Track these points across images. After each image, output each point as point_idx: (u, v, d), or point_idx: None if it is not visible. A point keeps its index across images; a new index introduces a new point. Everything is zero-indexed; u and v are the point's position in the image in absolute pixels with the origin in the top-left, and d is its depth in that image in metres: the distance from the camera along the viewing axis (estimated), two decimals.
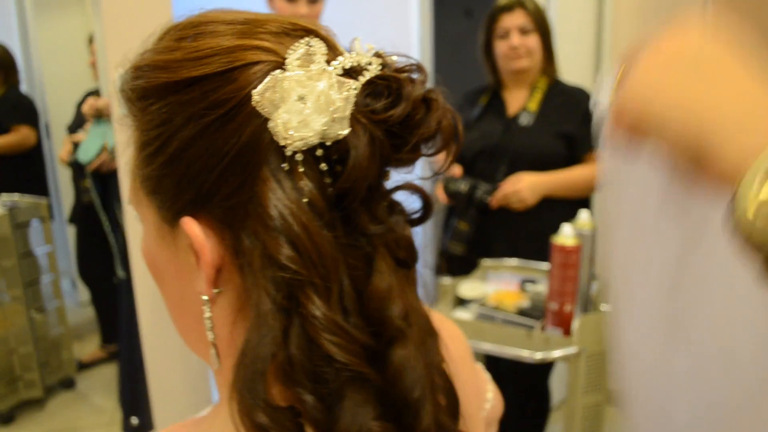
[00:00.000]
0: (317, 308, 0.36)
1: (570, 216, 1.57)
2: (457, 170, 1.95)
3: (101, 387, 2.84)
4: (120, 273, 2.47)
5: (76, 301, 3.26)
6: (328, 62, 0.38)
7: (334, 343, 0.36)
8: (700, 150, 0.37)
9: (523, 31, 1.86)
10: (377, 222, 0.40)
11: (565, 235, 1.43)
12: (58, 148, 3.06)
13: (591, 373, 1.50)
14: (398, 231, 0.41)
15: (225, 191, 0.38)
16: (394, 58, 0.41)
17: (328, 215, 0.38)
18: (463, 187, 1.89)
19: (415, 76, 0.40)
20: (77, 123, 2.68)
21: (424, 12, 2.83)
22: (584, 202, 1.89)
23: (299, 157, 0.37)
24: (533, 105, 1.89)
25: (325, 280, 0.37)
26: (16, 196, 2.67)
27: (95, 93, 2.71)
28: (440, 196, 1.95)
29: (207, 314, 0.42)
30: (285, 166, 0.37)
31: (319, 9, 1.73)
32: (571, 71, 2.10)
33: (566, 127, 1.86)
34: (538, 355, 1.41)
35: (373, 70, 0.39)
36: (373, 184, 0.39)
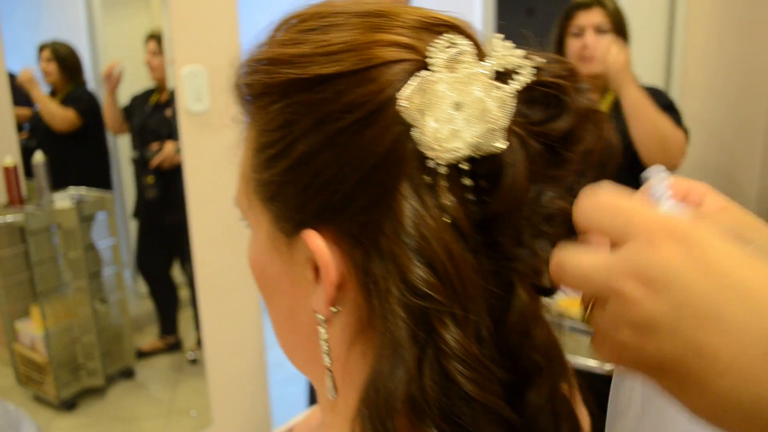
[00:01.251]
0: (455, 341, 0.33)
1: None
2: None
3: (159, 377, 2.90)
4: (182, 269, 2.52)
5: (136, 293, 3.33)
6: (478, 62, 0.34)
7: (472, 379, 0.33)
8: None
9: (599, 31, 1.77)
10: (523, 246, 0.36)
11: None
12: (122, 145, 3.15)
13: None
14: (543, 256, 0.37)
15: (358, 205, 0.35)
16: (542, 59, 0.36)
17: (472, 237, 0.34)
18: None
19: (576, 82, 0.36)
20: None
21: (486, 10, 2.77)
22: None
23: (443, 170, 0.33)
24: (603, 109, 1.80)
25: (465, 309, 0.33)
26: (83, 190, 2.75)
27: (155, 91, 2.76)
28: None
29: (323, 336, 0.39)
30: (427, 179, 0.33)
31: None
32: (641, 72, 2.00)
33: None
34: (608, 366, 1.34)
35: (526, 74, 0.34)
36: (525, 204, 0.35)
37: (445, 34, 0.34)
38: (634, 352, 0.29)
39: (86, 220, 2.63)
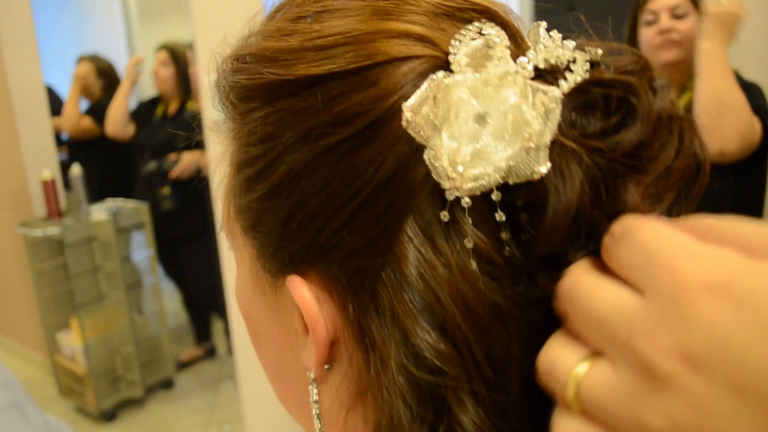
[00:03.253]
0: (474, 425, 0.25)
1: None
2: None
3: (198, 387, 2.89)
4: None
5: (178, 302, 3.35)
6: (515, 59, 0.25)
7: None
8: None
9: (676, 15, 1.50)
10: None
11: None
12: None
13: None
14: None
15: (350, 246, 0.27)
16: (599, 50, 0.26)
17: (508, 286, 0.26)
18: None
19: (648, 79, 0.26)
20: None
21: (524, 5, 2.66)
22: None
23: (466, 203, 0.25)
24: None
25: (490, 386, 0.25)
26: (120, 202, 2.76)
27: (160, 103, 2.76)
28: None
29: (314, 397, 0.31)
30: (444, 215, 0.25)
31: None
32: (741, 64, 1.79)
33: None
34: None
35: (580, 70, 0.25)
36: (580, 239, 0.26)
37: (474, 23, 0.26)
38: None
39: (122, 232, 2.64)
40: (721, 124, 1.33)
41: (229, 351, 2.94)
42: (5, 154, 2.83)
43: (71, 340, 2.65)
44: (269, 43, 0.29)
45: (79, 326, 2.55)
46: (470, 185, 0.24)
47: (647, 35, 1.52)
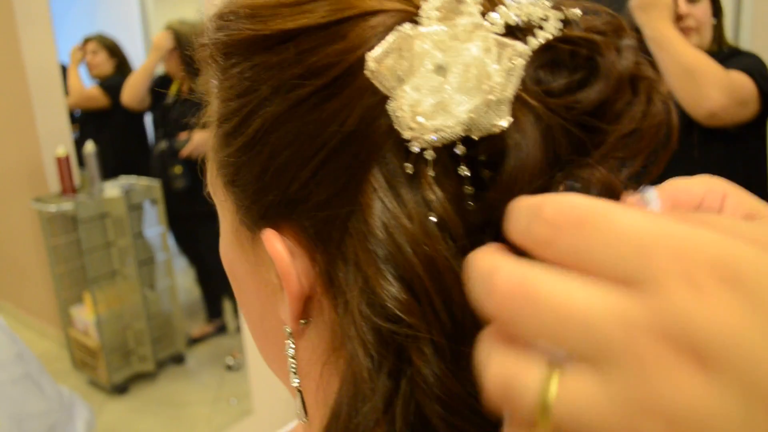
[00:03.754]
0: (435, 375, 0.25)
1: None
2: None
3: (208, 363, 2.94)
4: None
5: (192, 279, 3.39)
6: (484, 14, 0.26)
7: (454, 426, 0.25)
8: None
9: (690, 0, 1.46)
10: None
11: None
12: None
13: None
14: None
15: (318, 197, 0.28)
16: (577, 10, 0.27)
17: (466, 241, 0.26)
18: None
19: (618, 39, 0.26)
20: None
21: None
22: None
23: (430, 155, 0.25)
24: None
25: (450, 337, 0.26)
26: (132, 179, 2.79)
27: (172, 82, 2.76)
28: None
29: (291, 352, 0.32)
30: (408, 167, 0.26)
31: None
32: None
33: None
34: None
35: (551, 27, 0.26)
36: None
37: None
38: None
39: (135, 208, 2.67)
40: (696, 84, 1.32)
41: (238, 329, 2.98)
42: (21, 132, 2.87)
43: (84, 315, 2.71)
44: (249, 1, 0.30)
45: (92, 301, 2.60)
46: (431, 136, 0.24)
47: None
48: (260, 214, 0.31)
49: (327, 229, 0.28)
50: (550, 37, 0.26)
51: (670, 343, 0.17)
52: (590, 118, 0.26)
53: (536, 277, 0.20)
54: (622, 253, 0.19)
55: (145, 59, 2.90)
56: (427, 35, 0.24)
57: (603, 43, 0.25)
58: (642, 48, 0.27)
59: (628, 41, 0.26)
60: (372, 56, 0.25)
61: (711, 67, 1.35)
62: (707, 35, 1.47)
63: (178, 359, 2.93)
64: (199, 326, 3.18)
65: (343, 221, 0.27)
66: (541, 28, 0.26)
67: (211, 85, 0.32)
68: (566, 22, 0.27)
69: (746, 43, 2.05)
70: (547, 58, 0.26)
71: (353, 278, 0.27)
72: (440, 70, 0.24)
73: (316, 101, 0.27)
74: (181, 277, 3.29)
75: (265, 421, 1.82)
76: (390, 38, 0.25)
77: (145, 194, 2.71)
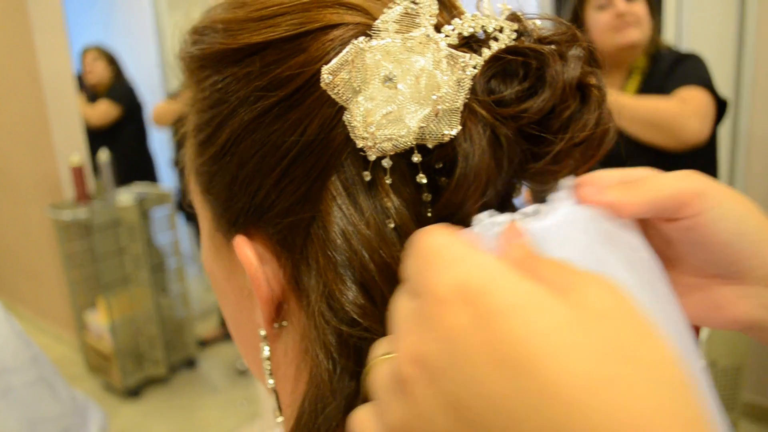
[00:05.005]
0: None
1: None
2: None
3: (220, 367, 2.96)
4: None
5: (205, 284, 3.42)
6: (438, 28, 0.27)
7: None
8: None
9: None
10: None
11: None
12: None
13: (723, 389, 1.29)
14: None
15: (282, 204, 0.29)
16: (537, 22, 0.28)
17: None
18: None
19: (568, 49, 0.27)
20: None
21: None
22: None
23: (387, 163, 0.26)
24: (630, 94, 1.51)
25: None
26: (145, 186, 2.83)
27: None
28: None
29: (265, 354, 0.33)
30: (366, 175, 0.27)
31: None
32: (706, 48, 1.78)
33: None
34: None
35: (505, 39, 0.27)
36: (491, 204, 0.27)
37: None
38: None
39: (147, 215, 2.71)
40: (668, 130, 1.37)
41: None
42: (37, 140, 2.92)
43: (98, 320, 2.75)
44: (221, 16, 0.31)
45: (106, 306, 2.64)
46: (384, 145, 0.25)
47: (602, 19, 1.50)
48: (232, 221, 0.32)
49: (291, 236, 0.29)
50: (504, 47, 0.27)
51: (408, 351, 0.20)
52: (540, 126, 0.27)
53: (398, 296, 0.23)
54: (414, 269, 0.22)
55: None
56: (377, 48, 0.25)
57: (549, 54, 0.26)
58: (594, 58, 0.28)
59: (576, 51, 0.27)
60: (326, 68, 0.26)
61: (669, 109, 1.40)
62: (647, 30, 1.49)
63: (190, 363, 2.96)
64: (210, 331, 3.21)
65: (306, 228, 0.28)
66: (495, 39, 0.27)
67: (187, 96, 0.34)
68: (521, 33, 0.28)
69: (687, 42, 2.03)
70: (498, 68, 0.27)
71: (315, 283, 0.28)
72: (390, 81, 0.25)
73: (279, 112, 0.28)
74: (192, 283, 3.32)
75: (275, 424, 1.84)
76: (344, 51, 0.26)
77: (158, 201, 2.74)
